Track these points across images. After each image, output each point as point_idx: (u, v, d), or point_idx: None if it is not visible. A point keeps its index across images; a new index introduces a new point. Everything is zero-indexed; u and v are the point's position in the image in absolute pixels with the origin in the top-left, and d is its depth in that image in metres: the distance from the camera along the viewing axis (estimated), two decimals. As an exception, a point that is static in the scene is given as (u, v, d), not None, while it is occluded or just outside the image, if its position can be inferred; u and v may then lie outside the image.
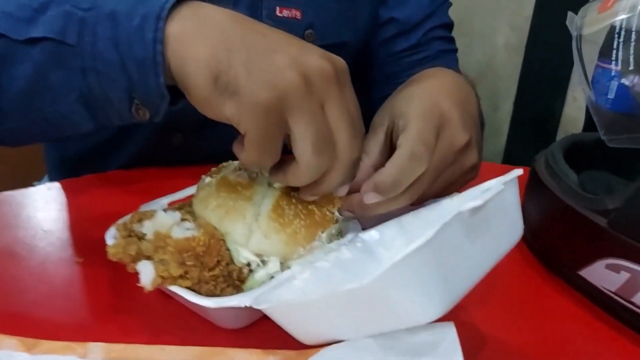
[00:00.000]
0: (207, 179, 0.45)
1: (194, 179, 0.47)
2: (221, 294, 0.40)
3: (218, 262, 0.40)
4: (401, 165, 0.41)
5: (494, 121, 1.25)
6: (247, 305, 0.37)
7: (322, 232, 0.44)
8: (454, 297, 0.32)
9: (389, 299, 0.31)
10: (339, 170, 0.40)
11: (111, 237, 0.43)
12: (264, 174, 0.45)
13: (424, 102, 0.45)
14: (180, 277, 0.39)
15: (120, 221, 0.44)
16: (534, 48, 1.15)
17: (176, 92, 0.41)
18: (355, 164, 0.41)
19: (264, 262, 0.42)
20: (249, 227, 0.42)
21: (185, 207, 0.46)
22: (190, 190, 0.51)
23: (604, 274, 0.44)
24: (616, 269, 0.43)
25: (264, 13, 0.64)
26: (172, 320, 0.42)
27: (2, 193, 0.61)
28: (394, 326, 0.32)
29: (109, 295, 0.45)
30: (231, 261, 0.41)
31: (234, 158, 0.49)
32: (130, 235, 0.43)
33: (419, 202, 0.45)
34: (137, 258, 0.41)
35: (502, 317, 0.45)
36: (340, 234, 0.47)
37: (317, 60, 0.38)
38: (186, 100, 0.65)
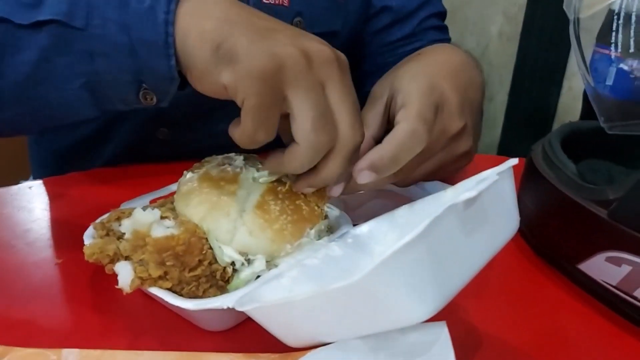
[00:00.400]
0: (189, 174, 0.43)
1: (179, 175, 0.45)
2: (204, 295, 0.38)
3: (200, 261, 0.38)
4: (402, 143, 0.40)
5: (489, 112, 1.24)
6: (230, 306, 0.35)
7: (311, 229, 0.42)
8: (448, 294, 0.30)
9: (379, 298, 0.29)
10: (340, 154, 0.38)
11: (89, 237, 0.42)
12: (249, 168, 0.43)
13: (425, 80, 0.44)
14: (160, 278, 0.37)
15: (98, 220, 0.42)
16: (528, 37, 1.14)
17: (183, 77, 0.40)
18: (356, 150, 0.39)
19: (249, 261, 0.40)
20: (233, 224, 0.40)
21: (166, 204, 0.44)
22: (173, 187, 0.49)
23: (605, 268, 0.42)
24: (617, 262, 0.41)
25: (250, 1, 0.62)
26: (153, 323, 0.41)
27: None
28: (384, 326, 0.31)
29: (88, 297, 0.44)
30: (214, 260, 0.39)
31: (220, 153, 0.47)
32: (108, 235, 0.41)
33: (404, 184, 0.44)
34: (115, 259, 0.39)
35: (498, 314, 0.44)
36: (330, 230, 0.45)
37: (318, 43, 0.37)
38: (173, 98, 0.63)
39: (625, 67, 0.47)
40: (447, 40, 0.77)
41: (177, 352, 0.35)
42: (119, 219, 0.41)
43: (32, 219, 0.55)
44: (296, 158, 0.37)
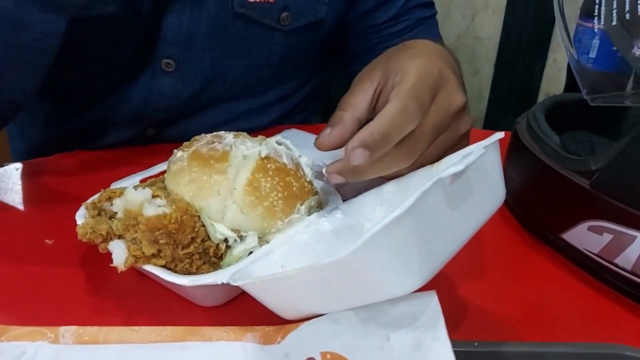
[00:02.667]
0: (179, 153, 0.43)
1: (169, 156, 0.46)
2: (197, 271, 0.39)
3: (192, 239, 0.39)
4: (391, 119, 0.40)
5: (475, 85, 1.24)
6: (224, 282, 0.36)
7: (301, 205, 0.43)
8: (435, 266, 0.31)
9: (368, 272, 0.30)
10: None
11: (81, 217, 0.42)
12: (239, 146, 0.43)
13: (422, 61, 0.44)
14: (154, 255, 0.38)
15: (90, 200, 0.43)
16: (513, 9, 1.13)
17: None
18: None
19: (241, 238, 0.41)
20: (223, 202, 0.40)
21: (157, 183, 0.44)
22: (162, 166, 0.50)
23: (587, 236, 0.44)
24: (599, 230, 0.42)
25: (235, 1, 0.62)
26: (148, 300, 0.41)
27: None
28: (374, 298, 0.32)
29: (81, 277, 0.44)
30: (207, 238, 0.40)
31: None
32: (99, 214, 0.42)
33: (416, 167, 0.44)
34: (108, 238, 0.39)
35: (485, 283, 0.45)
36: (320, 205, 0.46)
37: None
38: (156, 94, 0.64)
39: (611, 38, 0.48)
40: (433, 15, 0.76)
41: (173, 327, 0.35)
42: (110, 198, 0.41)
43: (20, 201, 0.55)
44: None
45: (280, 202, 0.41)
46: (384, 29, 0.73)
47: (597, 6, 0.43)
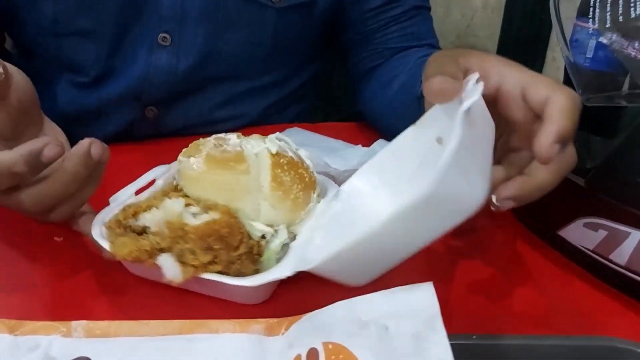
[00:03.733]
0: (192, 159, 0.43)
1: (157, 156, 0.46)
2: (246, 271, 0.40)
3: (241, 240, 0.40)
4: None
5: (475, 84, 1.25)
6: (290, 274, 0.38)
7: (314, 194, 0.45)
8: (489, 176, 0.37)
9: (448, 196, 0.33)
10: None
11: (98, 236, 0.41)
12: (246, 145, 0.44)
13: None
14: (210, 263, 0.39)
15: (111, 219, 0.42)
16: (513, 8, 1.14)
17: None
18: None
19: (275, 232, 0.43)
20: (256, 201, 0.42)
21: (169, 190, 0.44)
22: (151, 174, 0.49)
23: (583, 233, 0.45)
24: (594, 227, 0.44)
25: None
26: (156, 295, 0.42)
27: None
28: (452, 221, 0.35)
29: (91, 273, 0.45)
30: (249, 237, 0.41)
31: (209, 129, 0.48)
32: (125, 231, 0.41)
33: None
34: (152, 253, 0.39)
35: (483, 278, 0.46)
36: (320, 194, 0.47)
37: None
38: (153, 68, 0.66)
39: (605, 41, 0.49)
40: (428, 8, 0.77)
41: (181, 320, 0.36)
42: (135, 214, 0.41)
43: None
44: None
45: (300, 193, 0.43)
46: (380, 13, 0.74)
47: (591, 8, 0.44)
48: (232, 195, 0.41)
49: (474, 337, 0.36)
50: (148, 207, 0.41)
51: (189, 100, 0.71)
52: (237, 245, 0.39)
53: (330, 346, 0.32)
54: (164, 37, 0.66)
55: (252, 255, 0.40)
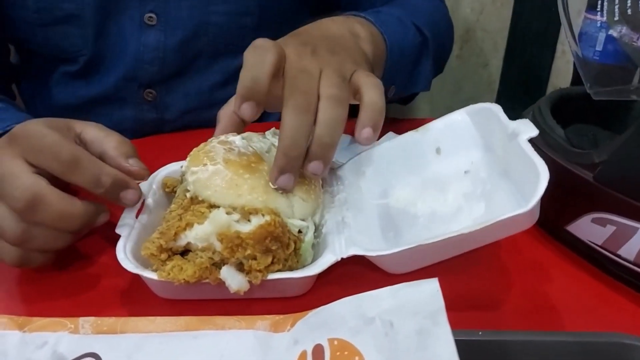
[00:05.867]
0: (209, 168, 0.41)
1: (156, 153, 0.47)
2: (295, 266, 0.41)
3: (289, 237, 0.40)
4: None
5: (484, 78, 1.24)
6: (344, 257, 0.41)
7: (319, 184, 0.46)
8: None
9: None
10: None
11: (134, 267, 0.39)
12: (256, 144, 0.45)
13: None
14: (271, 264, 0.39)
15: (148, 246, 0.40)
16: (522, 2, 1.13)
17: None
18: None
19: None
20: (287, 197, 0.42)
21: (187, 204, 0.42)
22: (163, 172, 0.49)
23: (590, 228, 0.44)
24: (602, 222, 0.43)
25: None
26: (159, 297, 0.43)
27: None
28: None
29: (98, 270, 0.46)
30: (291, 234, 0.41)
31: (208, 111, 0.48)
32: (169, 256, 0.40)
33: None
34: (211, 269, 0.39)
35: (490, 274, 0.46)
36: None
37: None
38: (143, 46, 0.68)
39: (614, 34, 0.48)
40: None
41: (187, 317, 0.37)
42: (176, 235, 0.40)
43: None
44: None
45: (314, 182, 0.45)
46: None
47: (599, 1, 0.44)
48: (268, 197, 0.41)
49: (480, 332, 0.35)
50: (188, 225, 0.39)
51: (186, 79, 0.72)
52: (288, 243, 0.40)
53: (335, 342, 0.32)
54: (150, 17, 0.68)
55: (296, 250, 0.41)
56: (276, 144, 0.43)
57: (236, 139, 0.44)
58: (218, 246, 0.39)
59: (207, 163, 0.41)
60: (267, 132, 0.48)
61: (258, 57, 0.42)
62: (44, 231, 0.41)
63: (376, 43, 0.56)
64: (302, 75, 0.43)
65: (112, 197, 0.43)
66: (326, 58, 0.45)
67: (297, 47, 0.45)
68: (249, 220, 0.39)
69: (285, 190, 0.41)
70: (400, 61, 0.60)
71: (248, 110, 0.42)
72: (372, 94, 0.43)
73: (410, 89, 0.67)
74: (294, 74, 0.43)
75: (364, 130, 0.42)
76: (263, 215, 0.39)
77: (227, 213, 0.39)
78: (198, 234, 0.39)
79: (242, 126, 0.46)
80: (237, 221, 0.39)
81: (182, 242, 0.40)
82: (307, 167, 0.41)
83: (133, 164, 0.45)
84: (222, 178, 0.40)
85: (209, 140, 0.44)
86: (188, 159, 0.43)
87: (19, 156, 0.40)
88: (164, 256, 0.40)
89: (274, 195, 0.41)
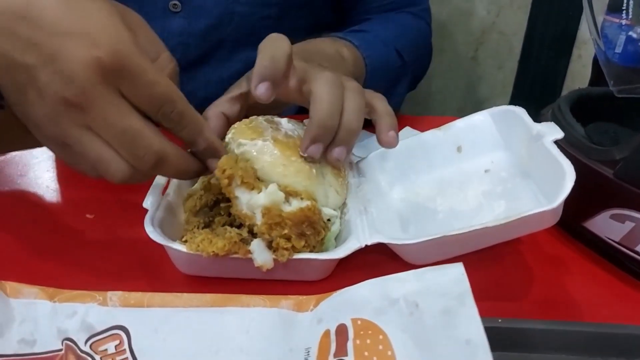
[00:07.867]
0: (258, 143, 0.41)
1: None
2: (319, 251, 0.42)
3: (321, 225, 0.41)
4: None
5: (498, 80, 1.24)
6: (367, 244, 0.41)
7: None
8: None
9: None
10: None
11: (162, 239, 0.40)
12: (298, 129, 0.45)
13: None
14: (303, 247, 0.40)
15: (188, 205, 0.43)
16: (539, 5, 1.14)
17: None
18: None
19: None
20: (324, 187, 0.43)
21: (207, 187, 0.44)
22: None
23: (609, 225, 0.45)
24: (621, 219, 0.44)
25: None
26: (185, 275, 0.43)
27: (7, 154, 0.61)
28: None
29: (123, 247, 0.46)
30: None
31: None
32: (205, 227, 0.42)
33: None
34: (240, 243, 0.40)
35: (508, 267, 0.46)
36: None
37: None
38: (167, 32, 0.69)
39: (634, 35, 0.49)
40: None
41: (213, 294, 0.37)
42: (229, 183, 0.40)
43: (56, 179, 0.57)
44: None
45: (344, 176, 0.46)
46: None
47: (625, 1, 0.44)
48: (310, 183, 0.41)
49: (500, 320, 0.36)
50: (245, 184, 0.39)
51: (208, 68, 0.73)
52: (320, 230, 0.41)
53: (359, 322, 0.32)
54: (174, 4, 0.69)
55: (322, 239, 0.42)
56: None
57: (282, 121, 0.45)
58: (259, 219, 0.39)
59: (255, 137, 0.42)
60: (305, 121, 0.48)
61: (276, 43, 0.44)
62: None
63: (358, 66, 0.64)
64: (322, 65, 0.45)
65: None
66: (330, 68, 0.48)
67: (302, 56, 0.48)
68: (287, 202, 0.40)
69: (312, 159, 0.42)
70: (378, 83, 0.65)
71: (263, 90, 0.42)
72: (382, 104, 0.48)
73: None
74: (314, 65, 0.45)
75: (389, 134, 0.46)
76: (302, 198, 0.40)
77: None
78: (251, 200, 0.39)
79: (227, 128, 0.46)
80: (286, 201, 0.40)
81: (232, 193, 0.39)
82: (332, 151, 0.43)
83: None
84: (270, 155, 0.41)
85: (253, 117, 0.45)
86: (232, 131, 0.44)
87: (117, 93, 0.37)
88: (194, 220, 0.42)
89: (315, 182, 0.42)
